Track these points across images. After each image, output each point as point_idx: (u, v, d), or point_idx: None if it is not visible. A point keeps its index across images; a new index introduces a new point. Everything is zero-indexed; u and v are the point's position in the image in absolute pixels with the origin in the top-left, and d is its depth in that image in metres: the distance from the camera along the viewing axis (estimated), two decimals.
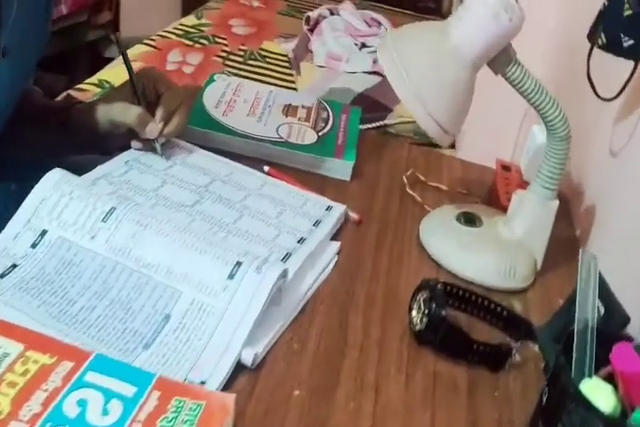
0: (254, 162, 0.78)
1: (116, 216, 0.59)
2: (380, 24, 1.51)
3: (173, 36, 1.74)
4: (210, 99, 0.83)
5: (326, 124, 0.83)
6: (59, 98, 1.44)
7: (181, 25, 1.80)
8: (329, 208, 0.71)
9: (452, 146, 1.44)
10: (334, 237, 0.70)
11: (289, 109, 0.84)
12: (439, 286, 0.57)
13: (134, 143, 0.72)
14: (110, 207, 0.60)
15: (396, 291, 0.65)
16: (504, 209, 0.72)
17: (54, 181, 0.61)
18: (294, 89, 1.60)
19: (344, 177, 0.79)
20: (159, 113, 0.69)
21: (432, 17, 1.99)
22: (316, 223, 0.68)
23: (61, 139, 0.76)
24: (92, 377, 0.43)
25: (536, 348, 0.61)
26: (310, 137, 0.80)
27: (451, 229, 0.69)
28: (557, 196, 0.66)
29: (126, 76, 0.73)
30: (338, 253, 0.68)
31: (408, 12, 2.09)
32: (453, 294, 0.62)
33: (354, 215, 0.73)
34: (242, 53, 1.72)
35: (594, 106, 0.66)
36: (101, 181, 0.67)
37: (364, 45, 1.46)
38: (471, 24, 0.52)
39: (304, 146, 0.78)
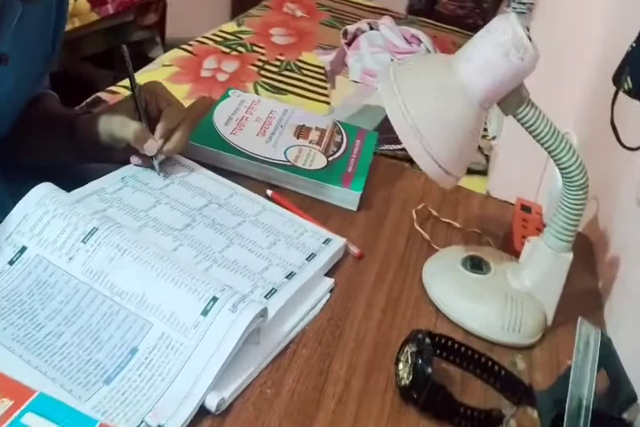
0: (259, 184, 0.76)
1: (96, 237, 0.57)
2: (420, 41, 1.47)
3: (211, 43, 1.74)
4: (221, 115, 0.81)
5: (338, 148, 0.80)
6: (88, 100, 1.46)
7: (221, 31, 1.80)
8: (327, 241, 0.68)
9: (485, 173, 1.38)
10: (330, 272, 0.66)
11: (301, 131, 0.81)
12: (427, 340, 0.53)
13: (133, 159, 0.70)
14: (92, 228, 0.58)
15: (388, 336, 0.61)
16: (517, 254, 0.67)
17: (40, 197, 0.60)
18: (327, 103, 1.58)
19: (350, 207, 0.75)
20: (159, 130, 0.68)
21: None
22: (310, 257, 0.65)
23: (67, 147, 0.75)
24: (29, 419, 0.41)
25: (535, 414, 0.56)
26: (319, 162, 0.77)
27: (455, 274, 0.65)
28: (576, 246, 0.61)
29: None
30: (331, 291, 0.65)
31: (454, 28, 2.04)
32: (448, 346, 0.58)
33: (354, 249, 0.69)
34: (278, 63, 1.70)
35: (624, 153, 0.61)
36: (93, 197, 0.65)
37: None
38: (479, 61, 0.47)
39: (310, 171, 0.75)
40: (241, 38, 1.78)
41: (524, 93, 0.49)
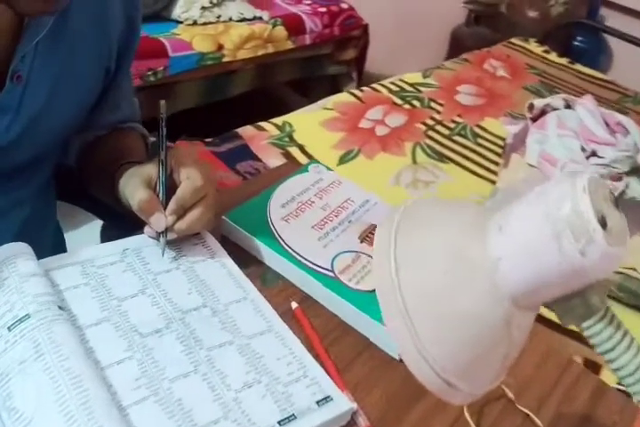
0: (289, 290, 0.63)
1: (23, 327, 0.49)
2: (627, 132, 1.21)
3: (384, 91, 1.65)
4: (283, 193, 0.69)
5: None
6: (226, 134, 1.45)
7: (400, 80, 1.70)
8: (325, 400, 0.52)
9: None
10: None
11: (371, 233, 0.67)
12: None
13: (147, 229, 0.62)
14: (25, 314, 0.50)
15: None
16: None
17: None
18: (492, 182, 1.39)
19: (391, 352, 0.59)
20: (170, 205, 0.58)
21: None
22: (287, 420, 0.49)
23: (112, 191, 0.69)
24: None
25: None
26: (372, 281, 0.61)
27: None
28: None
29: None
30: None
31: None
32: None
33: (362, 421, 0.53)
34: (452, 126, 1.55)
35: None
36: (75, 268, 0.58)
37: (594, 154, 1.18)
38: (517, 238, 0.29)
39: (353, 291, 0.60)
40: (420, 91, 1.66)
41: (592, 301, 0.30)
